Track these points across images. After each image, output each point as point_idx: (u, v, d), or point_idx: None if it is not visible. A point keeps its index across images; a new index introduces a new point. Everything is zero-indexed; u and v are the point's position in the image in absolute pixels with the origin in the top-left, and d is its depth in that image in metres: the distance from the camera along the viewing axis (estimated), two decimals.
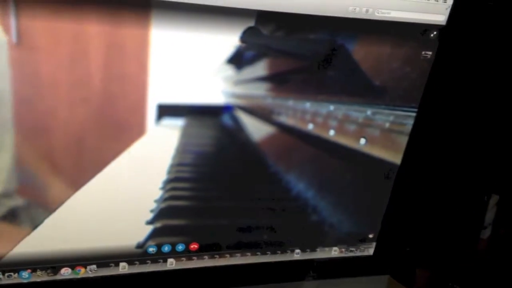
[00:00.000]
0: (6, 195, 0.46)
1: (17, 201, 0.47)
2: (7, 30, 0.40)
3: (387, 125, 0.56)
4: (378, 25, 0.50)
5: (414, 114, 0.56)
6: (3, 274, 0.50)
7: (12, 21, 0.39)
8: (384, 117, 0.55)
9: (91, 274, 0.53)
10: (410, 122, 0.57)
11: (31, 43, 0.41)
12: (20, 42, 0.40)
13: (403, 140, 0.58)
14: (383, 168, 0.59)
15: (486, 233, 0.75)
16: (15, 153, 0.45)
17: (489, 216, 0.73)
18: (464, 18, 0.53)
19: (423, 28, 0.52)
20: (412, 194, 0.65)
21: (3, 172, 0.45)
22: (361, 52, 0.51)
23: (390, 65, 0.53)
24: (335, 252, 0.64)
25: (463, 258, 0.72)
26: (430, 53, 0.53)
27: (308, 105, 0.52)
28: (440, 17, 0.52)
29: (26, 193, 0.47)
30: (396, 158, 0.59)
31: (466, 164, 0.67)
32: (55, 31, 0.41)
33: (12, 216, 0.47)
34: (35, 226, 0.48)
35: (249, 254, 0.60)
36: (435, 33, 0.52)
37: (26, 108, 0.43)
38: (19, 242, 0.48)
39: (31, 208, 0.47)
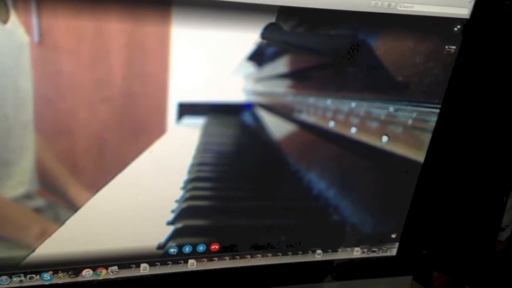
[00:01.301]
0: (28, 196, 0.46)
1: (39, 203, 0.46)
2: (29, 30, 0.40)
3: (410, 122, 0.55)
4: (401, 19, 0.49)
5: (437, 111, 0.55)
6: (25, 276, 0.50)
7: (34, 20, 0.39)
8: (407, 113, 0.54)
9: (112, 276, 0.53)
10: (434, 118, 0.56)
11: (53, 42, 0.41)
12: (42, 42, 0.40)
13: (426, 137, 0.57)
14: (406, 166, 0.58)
15: (504, 235, 0.74)
16: (37, 155, 0.45)
17: (508, 217, 0.71)
18: (488, 11, 0.52)
19: (446, 22, 0.51)
20: (434, 193, 0.63)
21: (25, 174, 0.45)
22: (383, 47, 0.50)
23: (412, 60, 0.51)
24: (357, 252, 0.62)
25: (481, 260, 0.71)
26: (454, 47, 0.52)
27: (329, 102, 0.52)
28: (463, 10, 0.51)
29: (48, 195, 0.47)
30: (419, 155, 0.58)
31: (485, 163, 0.65)
32: (77, 30, 0.41)
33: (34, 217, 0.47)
34: (56, 228, 0.48)
35: (270, 255, 0.59)
36: (458, 26, 0.51)
37: (47, 108, 0.43)
38: (41, 243, 0.48)
39: (53, 209, 0.47)
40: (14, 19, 0.39)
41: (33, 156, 0.45)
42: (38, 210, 0.47)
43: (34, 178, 0.45)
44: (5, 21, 0.39)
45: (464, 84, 0.55)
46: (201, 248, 0.55)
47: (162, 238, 0.53)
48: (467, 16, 0.51)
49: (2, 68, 0.41)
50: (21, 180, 0.45)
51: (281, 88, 0.50)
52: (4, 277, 0.49)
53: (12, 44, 0.40)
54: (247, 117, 0.50)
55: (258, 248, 0.58)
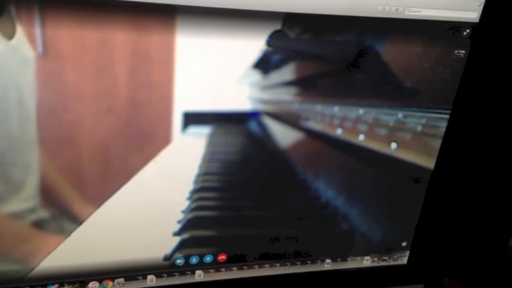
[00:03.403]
0: (34, 210, 0.45)
1: (44, 216, 0.46)
2: (33, 43, 0.39)
3: (419, 128, 0.54)
4: (409, 24, 0.48)
5: (447, 116, 0.54)
6: None
7: (37, 31, 0.39)
8: (416, 120, 0.53)
9: None
10: (444, 124, 0.55)
11: (57, 53, 0.40)
12: (46, 53, 0.40)
13: (436, 144, 0.56)
14: (416, 173, 0.57)
15: None
16: (42, 169, 0.44)
17: None
18: (497, 14, 0.51)
19: (455, 26, 0.50)
20: (444, 200, 0.62)
21: (31, 189, 0.44)
22: (391, 52, 0.49)
23: (421, 66, 0.51)
24: (367, 261, 0.61)
25: (492, 267, 0.69)
26: (463, 52, 0.51)
27: (336, 109, 0.51)
28: (472, 14, 0.50)
29: (53, 208, 0.46)
30: (429, 162, 0.57)
31: (495, 168, 0.64)
32: (81, 40, 0.40)
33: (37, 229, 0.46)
34: (62, 240, 0.47)
35: (278, 265, 0.58)
36: (467, 31, 0.50)
37: (52, 121, 0.43)
38: (46, 256, 0.48)
39: (58, 222, 0.47)
40: (20, 34, 0.39)
41: (39, 170, 0.44)
42: (43, 223, 0.46)
43: (40, 192, 0.45)
44: (10, 37, 0.39)
45: (474, 89, 0.54)
46: (208, 258, 0.54)
47: (168, 249, 0.52)
48: (476, 20, 0.50)
49: (7, 84, 0.40)
50: (28, 195, 0.45)
51: (287, 95, 0.49)
52: None
53: (17, 60, 0.40)
54: (253, 126, 0.49)
55: (266, 258, 0.57)
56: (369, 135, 0.53)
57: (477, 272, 0.70)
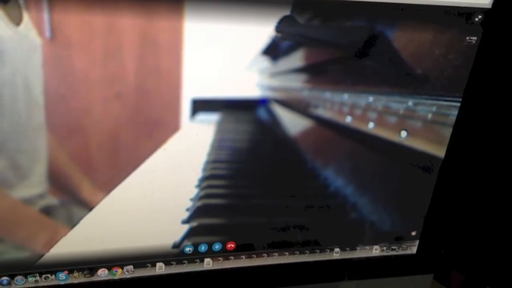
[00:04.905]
0: (43, 196, 0.46)
1: (53, 202, 0.46)
2: (41, 29, 0.39)
3: (430, 116, 0.53)
4: (420, 9, 0.47)
5: (458, 104, 0.54)
6: (40, 276, 0.49)
7: (45, 16, 0.39)
8: (427, 108, 0.53)
9: (128, 275, 0.52)
10: (454, 112, 0.54)
11: (65, 38, 0.40)
12: (53, 39, 0.40)
13: (447, 132, 0.55)
14: (426, 162, 0.56)
15: None
16: (50, 155, 0.44)
17: None
18: (510, 0, 0.50)
19: (466, 12, 0.49)
20: (455, 190, 0.62)
21: (40, 175, 0.45)
22: (401, 39, 0.49)
23: (432, 53, 0.50)
24: (376, 250, 0.61)
25: (501, 260, 0.69)
26: (475, 38, 0.50)
27: (346, 96, 0.50)
28: None
29: (62, 194, 0.46)
30: (439, 151, 0.56)
31: (507, 159, 0.63)
32: (88, 25, 0.40)
33: (46, 216, 0.47)
34: (71, 227, 0.48)
35: (287, 253, 0.58)
36: (480, 17, 0.49)
37: (60, 108, 0.43)
38: (55, 243, 0.48)
39: (67, 209, 0.47)
40: (27, 20, 0.39)
41: (47, 157, 0.44)
42: (52, 210, 0.46)
43: (48, 178, 0.45)
44: (18, 23, 0.39)
45: (486, 76, 0.54)
46: (217, 247, 0.54)
47: (177, 237, 0.52)
48: (489, 6, 0.49)
49: (15, 69, 0.40)
50: (36, 181, 0.45)
51: (296, 82, 0.48)
52: (19, 277, 0.49)
53: (24, 46, 0.39)
54: (262, 113, 0.49)
55: (275, 247, 0.57)
56: (379, 123, 0.52)
57: (487, 265, 0.69)
